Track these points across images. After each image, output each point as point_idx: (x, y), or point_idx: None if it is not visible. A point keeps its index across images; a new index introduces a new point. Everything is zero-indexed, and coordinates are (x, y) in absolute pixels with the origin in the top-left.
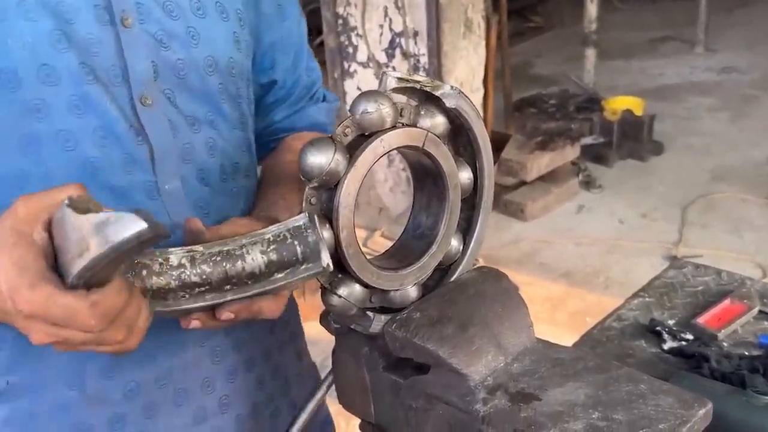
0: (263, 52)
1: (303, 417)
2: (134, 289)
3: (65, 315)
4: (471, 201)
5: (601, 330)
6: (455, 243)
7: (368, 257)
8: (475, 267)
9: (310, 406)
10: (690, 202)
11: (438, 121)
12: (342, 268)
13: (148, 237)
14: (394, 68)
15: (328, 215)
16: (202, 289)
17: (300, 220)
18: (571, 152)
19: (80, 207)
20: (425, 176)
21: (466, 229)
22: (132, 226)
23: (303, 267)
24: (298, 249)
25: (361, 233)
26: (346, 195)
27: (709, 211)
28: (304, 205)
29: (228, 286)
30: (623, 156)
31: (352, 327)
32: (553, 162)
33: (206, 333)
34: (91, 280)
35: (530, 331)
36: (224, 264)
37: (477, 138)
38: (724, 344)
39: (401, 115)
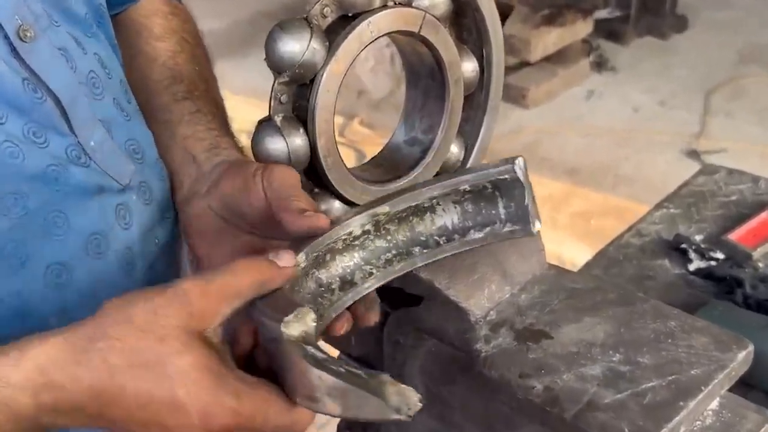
0: None
1: None
2: None
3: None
4: (475, 98)
5: (617, 247)
6: (455, 150)
7: (350, 168)
8: None
9: None
10: (715, 88)
11: (437, 0)
12: (319, 182)
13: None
14: None
15: (302, 117)
16: (389, 255)
17: (506, 171)
18: (582, 28)
19: (294, 334)
20: (421, 68)
21: (468, 133)
22: (378, 410)
23: (506, 228)
24: (501, 205)
25: (336, 121)
26: (325, 92)
27: (736, 97)
28: (272, 104)
29: (417, 248)
30: (641, 33)
31: None
32: (561, 40)
33: None
34: None
35: (541, 256)
36: (411, 219)
37: (485, 20)
38: (760, 265)
39: None
